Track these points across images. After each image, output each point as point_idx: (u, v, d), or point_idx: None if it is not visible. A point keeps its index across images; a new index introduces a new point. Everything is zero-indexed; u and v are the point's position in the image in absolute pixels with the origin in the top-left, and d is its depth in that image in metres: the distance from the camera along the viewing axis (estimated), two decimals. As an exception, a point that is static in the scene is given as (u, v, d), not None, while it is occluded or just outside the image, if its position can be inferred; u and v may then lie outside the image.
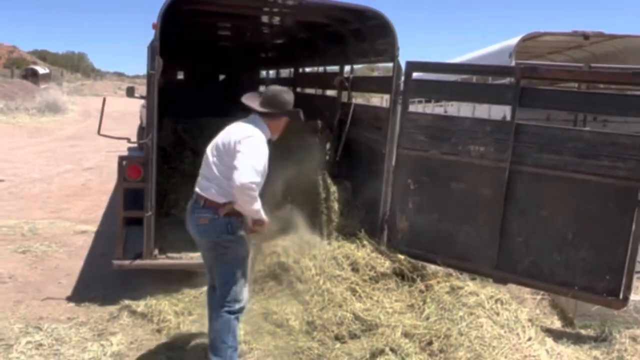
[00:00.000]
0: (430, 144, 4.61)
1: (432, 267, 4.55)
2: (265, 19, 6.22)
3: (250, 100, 3.28)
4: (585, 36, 8.13)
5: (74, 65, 65.39)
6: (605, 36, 8.29)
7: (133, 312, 4.07)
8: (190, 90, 9.34)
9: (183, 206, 4.34)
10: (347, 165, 5.50)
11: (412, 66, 4.71)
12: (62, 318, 4.05)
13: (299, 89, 8.98)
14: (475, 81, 7.53)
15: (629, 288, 3.98)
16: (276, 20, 6.23)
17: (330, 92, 7.25)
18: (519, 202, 4.28)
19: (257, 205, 3.04)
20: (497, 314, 3.72)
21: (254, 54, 10.06)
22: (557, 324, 4.39)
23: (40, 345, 3.55)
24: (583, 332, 4.25)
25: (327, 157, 5.76)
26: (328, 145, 5.81)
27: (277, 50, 9.34)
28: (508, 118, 4.45)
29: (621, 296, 4.00)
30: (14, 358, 3.37)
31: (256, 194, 2.99)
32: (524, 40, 8.10)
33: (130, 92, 7.50)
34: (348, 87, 6.00)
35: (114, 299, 4.27)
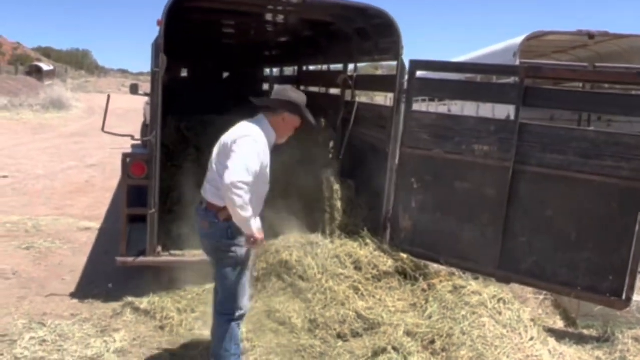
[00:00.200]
0: (434, 143, 4.61)
1: (434, 266, 4.55)
2: (269, 16, 6.22)
3: (259, 100, 3.26)
4: (590, 35, 8.10)
5: (78, 62, 65.42)
6: (610, 36, 8.26)
7: (136, 309, 4.09)
8: (194, 88, 9.34)
9: (186, 203, 4.38)
10: (350, 163, 5.50)
11: (416, 65, 4.70)
12: (65, 314, 4.07)
13: (302, 88, 8.98)
14: (479, 80, 7.51)
15: (632, 288, 3.97)
16: (280, 18, 6.23)
17: (334, 91, 7.24)
18: (523, 201, 4.27)
19: (245, 212, 2.82)
20: (500, 313, 3.72)
21: (258, 52, 10.05)
22: (559, 324, 4.39)
23: (44, 341, 3.56)
24: (586, 332, 4.24)
25: (331, 156, 5.76)
26: (331, 144, 5.81)
27: (281, 48, 9.33)
28: (512, 117, 4.44)
29: (624, 297, 3.99)
30: (17, 353, 3.39)
31: (244, 196, 2.79)
32: (528, 39, 8.08)
33: (134, 90, 7.52)
34: (352, 86, 5.99)
35: (117, 295, 4.29)
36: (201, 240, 3.17)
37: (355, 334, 3.81)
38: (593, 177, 4.02)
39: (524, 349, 3.41)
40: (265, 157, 3.02)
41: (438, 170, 4.60)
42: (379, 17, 4.85)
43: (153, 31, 4.30)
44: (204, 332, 3.69)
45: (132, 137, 4.72)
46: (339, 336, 3.78)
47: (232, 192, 2.77)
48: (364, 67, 8.93)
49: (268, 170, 3.07)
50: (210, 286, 4.17)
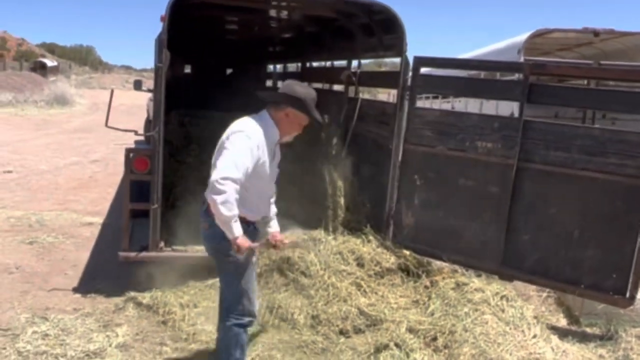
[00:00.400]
0: (437, 140, 4.59)
1: (437, 263, 4.54)
2: (273, 12, 6.21)
3: (263, 93, 3.12)
4: (596, 33, 8.07)
5: (82, 58, 65.58)
6: (616, 33, 8.22)
7: (138, 304, 4.09)
8: (197, 84, 9.35)
9: (189, 199, 4.37)
10: (353, 160, 5.49)
11: (420, 61, 4.68)
12: (68, 309, 4.08)
13: (305, 84, 8.95)
14: (483, 77, 7.49)
15: (635, 287, 3.95)
16: (284, 14, 6.21)
17: (337, 87, 7.23)
18: (526, 199, 4.25)
19: (227, 210, 2.62)
20: (503, 310, 3.72)
21: (262, 48, 10.05)
22: (562, 322, 4.38)
23: (46, 335, 3.57)
24: (589, 330, 4.23)
25: (334, 152, 5.75)
26: (334, 140, 5.80)
27: (285, 44, 9.32)
28: (516, 115, 4.42)
29: (628, 295, 3.98)
30: (20, 347, 3.40)
31: (228, 192, 2.61)
32: (533, 36, 8.05)
33: (137, 86, 7.53)
34: (355, 82, 5.97)
35: (120, 290, 4.29)
36: (202, 242, 3.07)
37: (358, 331, 3.81)
38: (597, 175, 4.00)
39: (526, 346, 3.41)
40: (263, 154, 2.83)
41: (441, 167, 4.59)
42: (383, 12, 4.83)
43: (157, 27, 4.30)
44: (207, 327, 3.70)
45: (136, 132, 4.72)
46: (341, 332, 3.78)
47: (215, 188, 2.62)
48: (367, 65, 8.93)
49: (267, 167, 2.90)
50: (213, 281, 4.19)
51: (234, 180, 2.64)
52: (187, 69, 11.09)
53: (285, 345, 3.62)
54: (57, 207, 7.03)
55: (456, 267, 4.46)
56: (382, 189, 4.93)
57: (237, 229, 2.70)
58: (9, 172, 9.14)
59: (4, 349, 3.41)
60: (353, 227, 4.88)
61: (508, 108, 6.58)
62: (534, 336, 3.53)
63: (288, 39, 8.54)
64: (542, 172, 4.19)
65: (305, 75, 8.83)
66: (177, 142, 5.63)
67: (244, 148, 2.73)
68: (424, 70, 4.82)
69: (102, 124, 4.82)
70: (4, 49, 45.85)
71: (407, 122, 4.75)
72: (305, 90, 2.98)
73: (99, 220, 6.48)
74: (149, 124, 6.82)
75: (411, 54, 4.71)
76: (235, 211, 2.66)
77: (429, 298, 4.06)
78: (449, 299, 3.92)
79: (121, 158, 4.56)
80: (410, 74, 4.71)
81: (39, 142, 12.98)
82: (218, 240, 2.84)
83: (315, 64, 8.71)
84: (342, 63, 6.97)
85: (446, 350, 3.44)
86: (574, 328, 4.26)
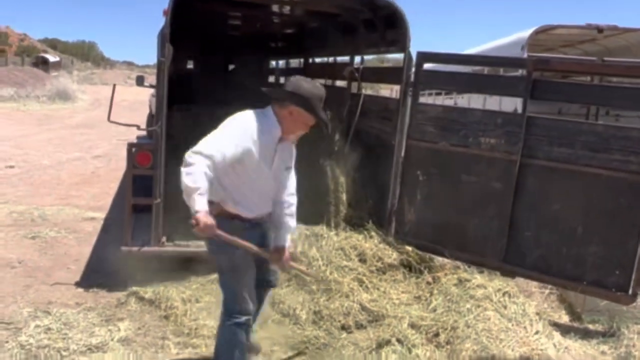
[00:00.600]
0: (440, 136, 4.58)
1: (439, 259, 4.53)
2: (275, 8, 6.19)
3: (267, 89, 2.93)
4: (599, 29, 8.05)
5: (84, 54, 65.53)
6: (620, 29, 8.20)
7: (141, 299, 4.10)
8: (199, 79, 9.33)
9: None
10: (356, 156, 5.48)
11: (423, 57, 4.67)
12: (70, 303, 4.09)
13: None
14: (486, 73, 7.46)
15: (638, 284, 3.94)
16: (287, 9, 6.20)
17: (340, 83, 7.22)
18: (529, 195, 4.24)
19: (190, 180, 2.47)
20: (505, 307, 3.71)
21: (264, 44, 10.02)
22: (564, 319, 4.37)
23: (49, 329, 3.57)
24: (591, 327, 4.22)
25: (336, 148, 5.74)
26: (337, 136, 5.79)
27: (288, 40, 9.30)
28: (519, 111, 4.41)
29: (630, 292, 3.97)
30: (23, 341, 3.40)
31: (196, 163, 2.48)
32: (536, 32, 8.03)
33: (140, 81, 7.50)
34: (358, 78, 5.96)
35: (122, 285, 4.30)
36: None
37: (360, 326, 3.81)
38: (601, 171, 3.98)
39: (528, 343, 3.40)
40: (254, 147, 2.68)
41: (444, 163, 4.58)
42: (386, 8, 4.81)
43: (159, 24, 4.30)
44: (208, 322, 3.70)
45: (138, 127, 4.73)
46: (343, 328, 3.78)
47: (184, 161, 2.51)
48: (369, 61, 8.90)
49: (262, 164, 2.75)
50: (215, 276, 4.17)
51: (205, 156, 2.52)
52: (190, 65, 11.07)
53: (287, 340, 3.62)
54: (60, 202, 7.04)
55: (458, 263, 4.45)
56: (384, 184, 4.92)
57: (199, 203, 2.48)
58: (11, 167, 9.15)
59: (7, 342, 3.42)
60: (355, 223, 4.88)
61: (511, 105, 6.57)
62: (536, 332, 3.53)
63: (291, 34, 8.52)
64: (546, 168, 4.18)
65: (308, 71, 8.81)
66: (180, 137, 5.62)
67: (227, 132, 2.66)
68: (427, 66, 4.81)
69: (105, 119, 4.83)
70: (6, 44, 45.82)
71: (409, 117, 4.74)
72: (311, 87, 2.80)
73: (101, 215, 6.49)
74: (151, 119, 6.82)
75: (413, 48, 4.71)
76: (201, 184, 2.48)
77: (431, 294, 4.06)
78: (451, 295, 3.92)
79: (123, 154, 4.55)
80: (413, 69, 4.70)
81: (41, 138, 12.99)
82: (208, 242, 2.81)
83: (318, 60, 8.69)
84: (345, 59, 6.96)
85: (448, 346, 3.44)
86: (576, 325, 4.26)
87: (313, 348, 3.58)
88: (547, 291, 4.71)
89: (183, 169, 2.52)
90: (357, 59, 6.35)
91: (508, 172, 4.27)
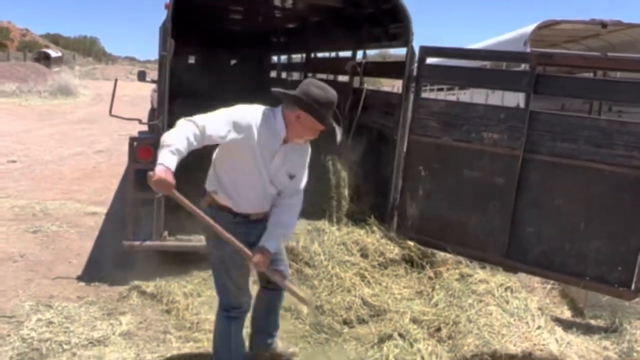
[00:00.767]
0: (442, 131, 4.56)
1: (441, 255, 4.52)
2: (277, 2, 6.17)
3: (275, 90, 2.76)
4: (603, 24, 8.01)
5: (86, 49, 65.57)
6: (624, 25, 8.15)
7: (142, 293, 4.09)
8: (201, 74, 9.31)
9: (193, 188, 4.36)
10: (358, 150, 5.47)
11: (426, 51, 4.64)
12: (72, 297, 4.09)
13: (310, 74, 8.91)
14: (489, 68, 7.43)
15: (641, 279, 3.93)
16: (289, 3, 6.17)
17: (342, 78, 7.20)
18: (532, 190, 4.23)
19: (167, 136, 2.46)
20: (507, 302, 3.71)
21: (266, 39, 10.00)
22: (566, 314, 4.37)
23: (51, 322, 3.57)
24: (593, 322, 4.22)
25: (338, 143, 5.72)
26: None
27: (290, 34, 9.28)
28: (522, 106, 4.39)
29: (633, 287, 3.95)
30: (24, 335, 3.40)
31: (180, 124, 2.47)
32: (539, 28, 7.99)
33: (141, 76, 7.48)
34: (360, 73, 5.94)
35: (124, 279, 4.30)
36: None
37: (361, 321, 3.81)
38: (604, 167, 3.96)
39: (530, 338, 3.39)
40: (250, 139, 2.59)
41: (446, 158, 4.57)
42: (389, 1, 4.79)
43: (161, 19, 4.28)
44: (210, 316, 3.69)
45: (140, 121, 4.72)
46: (345, 322, 3.78)
47: (175, 124, 2.52)
48: (372, 57, 8.87)
49: (258, 161, 2.66)
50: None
51: (194, 124, 2.49)
52: (192, 60, 11.06)
53: (289, 335, 3.61)
54: (61, 196, 7.04)
55: (460, 258, 4.44)
56: (386, 179, 4.91)
57: (165, 157, 2.41)
58: (13, 161, 9.15)
59: (9, 335, 3.42)
60: (357, 218, 4.88)
61: (514, 101, 6.54)
62: (538, 327, 3.52)
63: (293, 29, 8.49)
64: (548, 164, 4.16)
65: (310, 66, 8.79)
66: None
67: (227, 115, 2.59)
68: (430, 60, 4.79)
69: (106, 114, 4.82)
70: (7, 39, 45.80)
71: (412, 112, 4.72)
72: (321, 92, 2.64)
73: (103, 210, 6.49)
74: (153, 113, 6.81)
75: (416, 42, 4.69)
76: (175, 142, 2.43)
77: (433, 289, 4.05)
78: (453, 290, 3.91)
79: (125, 149, 4.54)
80: (416, 64, 4.68)
81: (43, 132, 12.98)
82: (203, 226, 2.78)
83: (319, 55, 8.67)
84: (347, 54, 6.94)
85: (450, 341, 3.44)
86: (578, 320, 4.25)
87: (315, 343, 3.59)
88: (549, 286, 4.70)
89: (176, 124, 2.50)
90: (360, 53, 6.33)
91: (511, 168, 4.26)
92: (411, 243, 4.53)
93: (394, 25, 5.08)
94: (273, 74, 10.95)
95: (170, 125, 4.54)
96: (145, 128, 5.21)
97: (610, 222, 3.99)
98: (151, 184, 2.42)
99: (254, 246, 2.77)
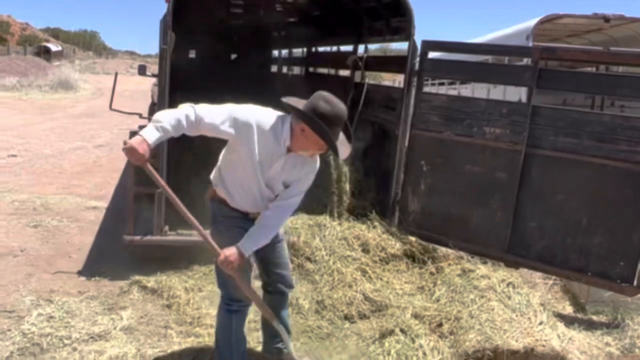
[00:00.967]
0: (444, 125, 4.54)
1: (443, 250, 4.51)
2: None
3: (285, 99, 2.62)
4: (606, 19, 7.98)
5: (86, 43, 65.43)
6: (626, 19, 8.12)
7: (143, 288, 4.09)
8: (202, 68, 9.28)
9: (194, 182, 4.35)
10: (359, 145, 5.45)
11: (428, 45, 4.62)
12: (72, 291, 4.08)
13: (311, 69, 8.88)
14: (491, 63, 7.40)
15: (643, 275, 3.92)
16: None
17: (343, 72, 7.17)
18: (534, 185, 4.21)
19: (161, 113, 2.48)
20: (509, 297, 3.70)
21: (267, 33, 9.96)
22: (568, 310, 4.35)
23: (51, 317, 3.57)
24: (595, 318, 4.20)
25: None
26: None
27: (291, 29, 9.23)
28: (524, 101, 4.36)
29: (635, 283, 3.95)
30: (25, 329, 3.39)
31: (177, 109, 2.48)
32: (542, 22, 7.96)
33: (142, 71, 7.45)
34: (361, 67, 5.91)
35: (124, 274, 4.29)
36: None
37: (363, 316, 3.80)
38: (607, 162, 3.94)
39: (532, 333, 3.38)
40: (250, 140, 2.55)
41: (448, 153, 4.55)
42: (391, -5, 4.76)
43: (161, 13, 4.25)
44: (211, 311, 3.68)
45: (140, 115, 4.70)
46: (346, 317, 3.78)
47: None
48: (373, 51, 8.84)
49: (255, 163, 2.61)
50: (217, 266, 4.17)
51: (192, 108, 2.50)
52: (192, 54, 11.02)
53: (290, 330, 3.60)
54: (62, 191, 7.02)
55: (462, 253, 4.43)
56: (388, 174, 4.90)
57: (147, 130, 2.42)
58: (14, 156, 9.13)
59: (9, 330, 3.41)
60: (358, 213, 4.87)
61: (515, 95, 6.51)
62: (540, 323, 3.51)
63: (294, 23, 8.45)
64: (551, 159, 4.14)
65: (310, 60, 8.76)
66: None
67: (231, 111, 2.56)
68: (432, 54, 4.76)
69: (107, 109, 4.80)
70: (7, 33, 45.73)
71: (414, 107, 4.70)
72: (329, 108, 2.51)
73: (104, 204, 6.47)
74: (153, 108, 6.79)
75: (418, 37, 4.66)
76: (163, 121, 2.43)
77: (435, 284, 4.04)
78: (455, 285, 3.90)
79: (126, 142, 4.52)
80: (418, 58, 4.65)
81: (43, 127, 12.95)
82: (209, 220, 2.81)
83: (321, 49, 8.64)
84: (348, 48, 6.91)
85: (452, 337, 3.43)
86: (580, 316, 4.24)
87: (316, 338, 3.58)
88: (550, 282, 4.68)
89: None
90: (361, 47, 6.29)
91: (513, 162, 4.24)
92: (413, 238, 4.52)
93: (395, 19, 5.05)
94: (274, 68, 10.91)
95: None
96: (145, 122, 5.19)
97: (613, 218, 3.97)
98: (123, 150, 2.43)
99: None
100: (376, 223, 4.62)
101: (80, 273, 4.46)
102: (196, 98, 6.21)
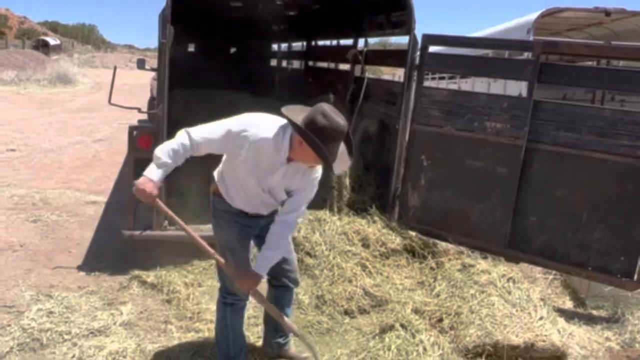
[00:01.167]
0: (444, 120, 4.52)
1: (443, 245, 4.51)
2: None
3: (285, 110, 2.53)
4: (607, 13, 7.94)
5: (85, 37, 65.12)
6: (628, 13, 8.08)
7: (143, 283, 4.09)
8: (201, 62, 9.24)
9: (194, 177, 4.33)
10: (359, 140, 5.43)
11: (429, 39, 4.59)
12: (72, 287, 4.08)
13: (311, 63, 8.85)
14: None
15: (644, 270, 3.92)
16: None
17: (343, 66, 7.14)
18: (535, 180, 4.20)
19: (160, 149, 2.56)
20: (509, 292, 3.69)
21: (266, 27, 9.90)
22: (568, 304, 4.35)
23: (51, 312, 3.56)
24: (595, 313, 4.21)
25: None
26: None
27: (290, 22, 9.18)
28: (524, 96, 4.34)
29: (635, 278, 3.95)
30: (25, 324, 3.39)
31: (174, 139, 2.54)
32: (543, 16, 7.92)
33: (141, 64, 7.42)
34: (362, 61, 5.88)
35: (124, 269, 4.29)
36: None
37: (363, 311, 3.80)
38: (608, 156, 3.94)
39: (533, 328, 3.38)
40: (247, 153, 2.54)
41: (448, 148, 4.53)
42: (391, -11, 4.72)
43: (160, 7, 4.22)
44: (211, 306, 3.68)
45: (139, 110, 4.67)
46: (346, 312, 3.78)
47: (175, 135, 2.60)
48: (373, 45, 8.80)
49: (253, 172, 2.61)
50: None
51: (188, 134, 2.56)
52: (191, 48, 10.97)
53: (290, 325, 3.60)
54: (61, 185, 7.01)
55: (462, 248, 4.43)
56: (388, 169, 4.88)
57: (150, 170, 2.56)
58: (12, 150, 9.10)
59: (9, 325, 3.41)
60: (358, 208, 4.85)
61: (516, 90, 6.49)
62: (541, 318, 3.50)
63: (294, 16, 8.40)
64: (552, 153, 4.13)
65: (310, 54, 8.73)
66: (181, 120, 5.56)
67: (223, 124, 2.57)
68: (432, 48, 4.74)
69: (106, 103, 4.77)
70: (5, 26, 45.52)
71: (414, 101, 4.67)
72: (326, 122, 2.42)
73: (103, 199, 6.46)
74: (152, 102, 6.76)
75: (418, 31, 4.63)
76: (163, 157, 2.55)
77: (435, 279, 4.04)
78: (455, 280, 3.89)
79: (125, 137, 4.51)
80: (418, 52, 4.62)
81: (42, 121, 12.92)
82: (210, 214, 2.88)
83: (320, 43, 8.59)
84: (348, 42, 6.87)
85: (452, 332, 3.43)
86: (580, 310, 4.23)
87: (316, 333, 3.58)
88: (551, 277, 4.68)
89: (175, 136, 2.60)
90: (361, 41, 6.26)
91: (514, 157, 4.22)
92: (413, 233, 4.51)
93: (396, 12, 5.01)
94: (274, 62, 10.86)
95: (170, 114, 4.54)
96: (145, 117, 5.17)
97: (614, 213, 3.97)
98: (134, 192, 2.59)
99: (258, 238, 2.87)
100: (376, 218, 4.61)
101: (79, 268, 4.45)
102: (195, 92, 6.19)
